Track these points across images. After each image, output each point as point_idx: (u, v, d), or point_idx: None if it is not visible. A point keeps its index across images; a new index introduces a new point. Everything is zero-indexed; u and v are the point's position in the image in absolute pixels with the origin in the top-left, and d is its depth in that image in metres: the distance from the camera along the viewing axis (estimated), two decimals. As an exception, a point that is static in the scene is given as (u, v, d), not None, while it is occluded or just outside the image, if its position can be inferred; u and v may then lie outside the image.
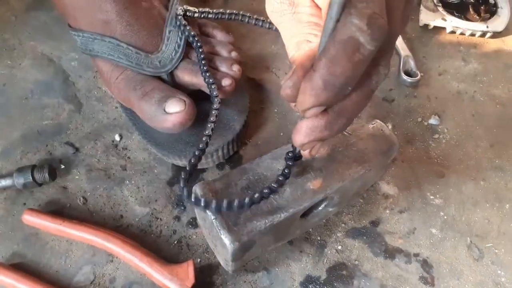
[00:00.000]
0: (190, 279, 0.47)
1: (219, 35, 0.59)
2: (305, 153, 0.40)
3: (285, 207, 0.44)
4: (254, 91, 0.65)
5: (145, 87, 0.52)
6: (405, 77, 0.66)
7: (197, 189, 0.44)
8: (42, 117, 0.61)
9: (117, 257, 0.51)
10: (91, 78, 0.65)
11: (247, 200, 0.41)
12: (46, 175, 0.54)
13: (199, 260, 0.51)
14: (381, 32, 0.28)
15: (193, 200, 0.41)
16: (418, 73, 0.66)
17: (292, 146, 0.43)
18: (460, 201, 0.57)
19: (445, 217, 0.56)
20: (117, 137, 0.60)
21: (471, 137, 0.62)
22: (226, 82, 0.53)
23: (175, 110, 0.50)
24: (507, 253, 0.53)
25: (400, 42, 0.70)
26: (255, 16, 0.57)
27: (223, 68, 0.55)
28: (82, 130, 0.60)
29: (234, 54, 0.57)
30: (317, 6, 0.34)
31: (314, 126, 0.33)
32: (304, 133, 0.34)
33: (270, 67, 0.68)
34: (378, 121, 0.52)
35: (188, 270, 0.48)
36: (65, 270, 0.50)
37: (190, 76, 0.53)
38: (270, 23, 0.57)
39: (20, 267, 0.50)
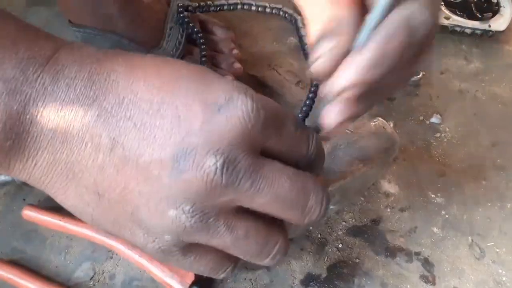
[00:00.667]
0: (190, 275, 0.47)
1: (220, 32, 0.59)
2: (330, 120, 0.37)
3: (286, 204, 0.44)
4: (255, 88, 0.64)
5: None
6: None
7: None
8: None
9: (117, 253, 0.51)
10: (92, 75, 0.65)
11: None
12: (46, 171, 0.54)
13: (199, 257, 0.51)
14: (435, 17, 0.29)
15: None
16: (420, 71, 0.66)
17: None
18: (461, 200, 0.57)
19: (447, 216, 0.55)
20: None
21: (472, 136, 0.62)
22: None
23: None
24: (508, 252, 0.53)
25: None
26: (257, 3, 0.56)
27: (224, 65, 0.55)
28: (83, 126, 0.60)
29: (235, 51, 0.57)
30: None
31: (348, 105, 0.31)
32: (338, 113, 0.32)
33: (271, 65, 0.68)
34: (380, 118, 0.52)
35: (188, 267, 0.47)
36: (65, 266, 0.50)
37: None
38: (273, 8, 0.57)
39: (20, 263, 0.50)
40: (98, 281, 0.49)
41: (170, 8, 0.54)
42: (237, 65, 0.55)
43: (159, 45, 0.53)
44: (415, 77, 0.66)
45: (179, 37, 0.53)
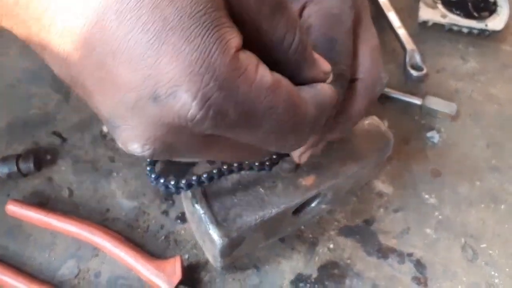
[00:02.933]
0: (177, 275, 0.46)
1: None
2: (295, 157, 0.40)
3: (276, 203, 0.43)
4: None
5: None
6: (412, 71, 0.65)
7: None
8: (29, 106, 0.59)
9: (102, 251, 0.49)
10: (81, 68, 0.63)
11: (205, 176, 0.40)
12: (31, 165, 0.52)
13: (187, 256, 0.50)
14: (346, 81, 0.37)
15: (154, 181, 0.40)
16: (424, 67, 0.65)
17: None
18: (455, 201, 0.56)
19: (440, 217, 0.55)
20: (105, 128, 0.58)
21: (467, 137, 0.61)
22: None
23: None
24: (501, 254, 0.52)
25: (404, 36, 0.68)
26: None
27: None
28: (70, 120, 0.59)
29: None
30: None
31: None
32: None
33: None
34: (374, 117, 0.51)
35: (175, 266, 0.46)
36: (49, 263, 0.49)
37: None
38: None
39: (3, 259, 0.49)
40: (83, 279, 0.48)
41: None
42: None
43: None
44: (419, 73, 0.64)
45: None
